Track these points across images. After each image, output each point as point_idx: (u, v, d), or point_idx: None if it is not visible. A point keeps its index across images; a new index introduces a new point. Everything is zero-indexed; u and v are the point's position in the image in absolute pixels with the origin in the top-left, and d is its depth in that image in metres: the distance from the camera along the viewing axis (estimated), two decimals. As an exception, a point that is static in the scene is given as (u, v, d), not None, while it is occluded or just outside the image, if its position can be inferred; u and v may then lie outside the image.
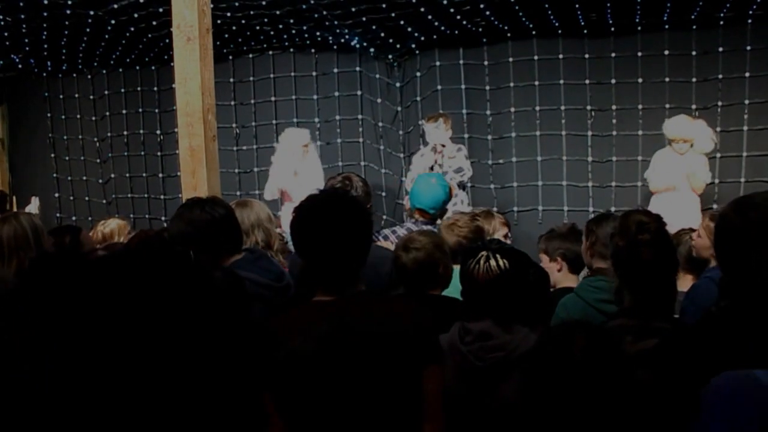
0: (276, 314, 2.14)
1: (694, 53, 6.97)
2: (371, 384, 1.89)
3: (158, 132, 8.62)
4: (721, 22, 6.83)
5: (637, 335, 2.18)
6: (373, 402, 1.89)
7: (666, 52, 7.02)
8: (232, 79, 8.21)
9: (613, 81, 7.19)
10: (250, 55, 8.23)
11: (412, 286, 2.94)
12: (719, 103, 6.93)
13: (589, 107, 7.30)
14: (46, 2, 6.04)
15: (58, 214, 9.08)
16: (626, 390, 1.66)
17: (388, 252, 3.29)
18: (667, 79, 7.03)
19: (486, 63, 7.56)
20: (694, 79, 6.98)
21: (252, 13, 6.44)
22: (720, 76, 6.91)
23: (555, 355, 1.70)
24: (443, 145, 6.55)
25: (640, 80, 7.11)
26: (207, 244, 2.70)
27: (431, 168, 6.45)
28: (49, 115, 9.07)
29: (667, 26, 6.98)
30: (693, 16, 6.79)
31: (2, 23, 6.62)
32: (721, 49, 6.89)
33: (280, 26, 7.12)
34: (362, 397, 1.89)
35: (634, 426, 1.69)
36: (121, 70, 8.66)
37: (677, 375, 1.68)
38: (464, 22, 6.96)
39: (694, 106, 6.92)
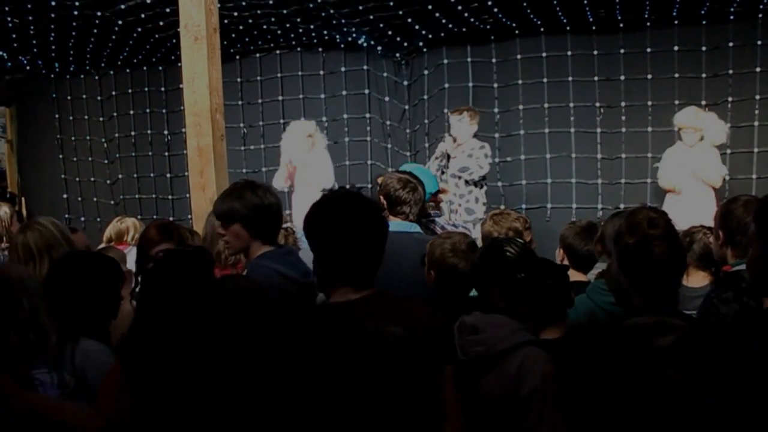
0: (296, 317, 2.12)
1: (704, 48, 6.92)
2: (393, 388, 1.87)
3: (166, 132, 8.63)
4: (731, 17, 6.78)
5: (653, 333, 2.16)
6: (394, 406, 1.87)
7: (675, 48, 6.98)
8: (239, 79, 8.20)
9: (622, 77, 7.15)
10: (258, 55, 8.22)
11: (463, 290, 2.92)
12: (729, 99, 6.88)
13: (598, 104, 7.26)
14: (53, 4, 6.05)
15: (66, 215, 9.09)
16: (653, 387, 1.63)
17: (416, 236, 3.26)
18: (676, 75, 6.99)
19: (494, 60, 7.53)
20: (704, 75, 6.94)
21: (259, 12, 6.43)
22: (730, 72, 6.87)
23: (579, 352, 1.68)
24: (454, 138, 6.47)
25: (649, 76, 7.06)
26: (248, 225, 2.80)
27: (447, 157, 6.39)
28: (57, 116, 9.08)
29: (676, 22, 6.93)
30: (702, 12, 6.74)
31: (10, 25, 6.63)
32: (731, 44, 6.84)
33: (287, 25, 7.11)
34: (384, 402, 1.87)
35: (658, 422, 1.66)
36: (128, 70, 8.66)
37: (705, 371, 1.66)
38: (472, 20, 6.93)
39: (704, 102, 6.87)
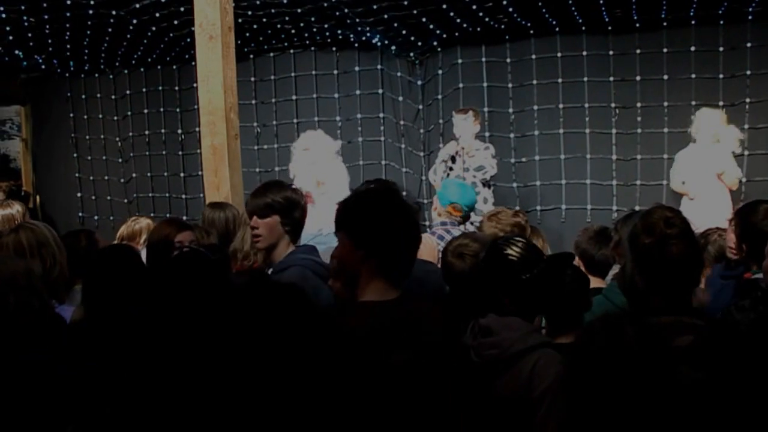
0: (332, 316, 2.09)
1: (721, 49, 6.84)
2: (422, 385, 1.86)
3: (179, 131, 8.64)
4: (749, 17, 6.69)
5: (672, 333, 2.14)
6: (421, 404, 1.86)
7: (692, 48, 6.90)
8: (253, 78, 8.21)
9: (638, 78, 7.08)
10: (272, 54, 8.22)
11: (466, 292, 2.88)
12: (747, 100, 6.80)
13: (613, 104, 7.19)
14: (69, 2, 6.07)
15: (80, 214, 9.14)
16: (675, 382, 1.61)
17: (433, 266, 3.23)
18: (693, 76, 6.91)
19: (509, 60, 7.49)
20: (721, 75, 6.85)
21: (273, 11, 6.43)
22: (748, 72, 6.78)
23: (602, 346, 1.65)
24: (458, 137, 6.46)
25: (665, 77, 6.99)
26: (285, 218, 2.94)
27: (452, 158, 6.40)
28: (71, 115, 9.12)
29: (693, 21, 6.86)
30: (720, 11, 6.67)
31: (26, 24, 6.67)
32: (749, 45, 6.75)
33: (302, 24, 7.10)
34: (412, 400, 1.85)
35: (676, 420, 1.64)
36: (142, 69, 8.69)
37: (725, 371, 1.64)
38: (486, 19, 6.90)
39: (721, 103, 6.79)
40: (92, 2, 6.05)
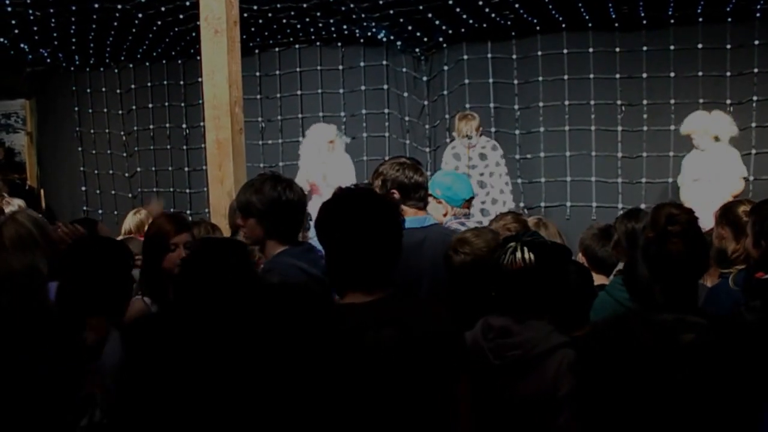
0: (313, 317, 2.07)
1: (728, 46, 6.80)
2: (408, 391, 1.83)
3: (184, 126, 8.64)
4: (757, 15, 6.66)
5: (673, 331, 2.13)
6: (409, 409, 1.83)
7: (699, 46, 6.86)
8: (258, 73, 8.19)
9: (645, 75, 7.05)
10: (277, 49, 8.20)
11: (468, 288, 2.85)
12: (754, 98, 6.76)
13: (619, 102, 7.17)
14: (74, -4, 6.07)
15: (84, 207, 9.15)
16: (684, 382, 1.60)
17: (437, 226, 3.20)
18: (700, 73, 6.88)
19: (514, 57, 7.46)
20: (728, 73, 6.82)
21: (279, 6, 6.41)
22: (755, 70, 6.74)
23: (612, 345, 1.64)
24: (469, 137, 6.47)
25: (672, 74, 6.96)
26: (263, 221, 2.69)
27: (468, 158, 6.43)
28: (76, 108, 9.13)
29: (700, 19, 6.82)
30: (728, 9, 6.63)
31: (32, 18, 6.66)
32: (756, 42, 6.72)
33: (307, 19, 7.08)
34: (399, 404, 1.83)
35: (683, 420, 1.62)
36: (147, 63, 8.68)
37: (726, 370, 1.63)
38: (493, 15, 6.88)
39: (728, 101, 6.76)
40: (97, -4, 6.06)
